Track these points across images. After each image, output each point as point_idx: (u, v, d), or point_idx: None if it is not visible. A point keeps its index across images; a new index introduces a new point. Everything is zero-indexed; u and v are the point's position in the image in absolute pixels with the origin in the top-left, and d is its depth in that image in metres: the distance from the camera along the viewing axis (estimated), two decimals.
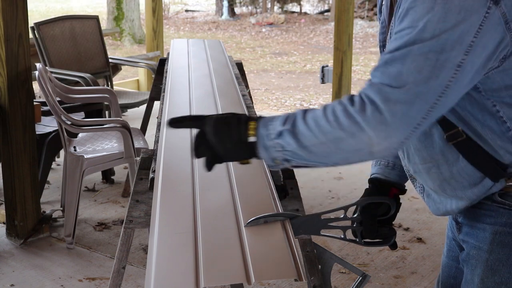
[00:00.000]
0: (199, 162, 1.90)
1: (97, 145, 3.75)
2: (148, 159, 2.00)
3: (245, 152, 1.37)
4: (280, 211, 1.58)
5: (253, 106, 2.73)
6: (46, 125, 3.94)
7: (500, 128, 1.38)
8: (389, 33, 1.47)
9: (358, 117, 1.26)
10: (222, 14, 17.32)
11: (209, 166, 1.45)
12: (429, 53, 1.25)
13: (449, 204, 1.51)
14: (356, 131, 1.26)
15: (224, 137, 1.38)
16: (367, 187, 1.72)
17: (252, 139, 1.36)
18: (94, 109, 4.16)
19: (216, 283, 1.29)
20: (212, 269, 1.32)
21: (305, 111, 1.34)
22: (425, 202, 1.59)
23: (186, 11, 19.04)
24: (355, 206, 1.61)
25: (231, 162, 1.90)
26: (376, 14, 14.27)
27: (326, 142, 1.29)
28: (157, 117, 2.48)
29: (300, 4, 18.03)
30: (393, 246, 1.64)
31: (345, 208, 1.58)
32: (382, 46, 1.53)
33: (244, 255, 1.37)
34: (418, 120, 1.27)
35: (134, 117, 5.62)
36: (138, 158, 2.08)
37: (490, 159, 1.41)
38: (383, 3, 1.55)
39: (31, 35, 4.44)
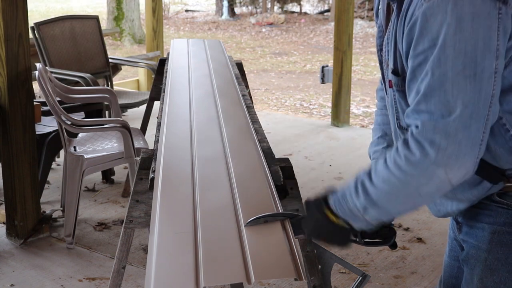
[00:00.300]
0: (199, 162, 1.91)
1: (97, 145, 3.75)
2: (148, 159, 2.00)
3: (345, 234, 1.46)
4: (280, 211, 1.58)
5: (253, 106, 2.73)
6: (46, 125, 3.94)
7: (503, 137, 1.39)
8: (385, 38, 1.47)
9: (424, 163, 1.28)
10: (222, 14, 17.32)
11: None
12: (464, 71, 1.25)
13: (449, 206, 1.52)
14: (430, 175, 1.29)
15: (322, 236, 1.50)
16: None
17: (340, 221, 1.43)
18: (94, 109, 4.15)
19: (216, 282, 1.29)
20: (212, 268, 1.32)
21: (369, 175, 1.37)
22: (426, 205, 1.60)
23: (186, 11, 19.04)
24: None
25: (230, 161, 1.91)
26: None
27: (407, 197, 1.34)
28: (157, 117, 2.48)
29: (300, 4, 18.03)
30: (393, 246, 1.64)
31: None
32: (380, 50, 1.54)
33: (244, 255, 1.37)
34: (480, 136, 1.29)
35: (134, 117, 5.62)
36: (138, 158, 2.08)
37: (488, 166, 1.41)
38: (380, 7, 1.55)
39: (31, 35, 4.44)
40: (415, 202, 1.35)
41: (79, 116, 4.00)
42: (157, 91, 4.05)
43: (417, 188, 1.31)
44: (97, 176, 4.35)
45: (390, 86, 1.47)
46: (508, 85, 1.35)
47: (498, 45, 1.26)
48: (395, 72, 1.43)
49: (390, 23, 1.45)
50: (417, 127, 1.30)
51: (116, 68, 5.66)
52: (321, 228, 1.46)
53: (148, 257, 1.38)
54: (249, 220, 1.50)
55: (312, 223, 1.47)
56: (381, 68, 1.54)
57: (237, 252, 1.38)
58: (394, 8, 1.42)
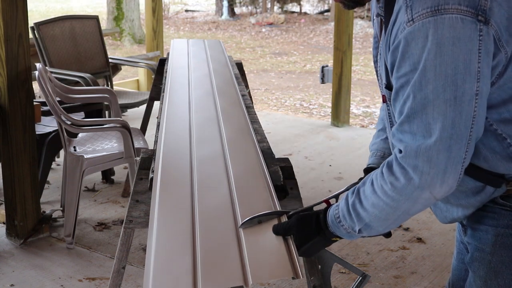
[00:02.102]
0: (198, 162, 1.91)
1: (97, 145, 3.75)
2: (148, 159, 2.00)
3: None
4: (273, 210, 1.58)
5: (252, 106, 2.73)
6: (46, 125, 3.94)
7: (501, 145, 1.39)
8: (378, 52, 1.48)
9: (409, 188, 1.31)
10: (222, 14, 17.33)
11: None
12: (445, 94, 1.26)
13: (455, 212, 1.53)
14: (416, 198, 1.32)
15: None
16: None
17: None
18: (94, 109, 4.15)
19: (214, 287, 1.29)
20: (210, 272, 1.31)
21: (359, 198, 1.39)
22: (433, 211, 1.60)
23: (186, 11, 19.04)
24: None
25: (229, 161, 1.91)
26: None
27: (397, 217, 1.37)
28: (157, 117, 2.48)
29: (300, 4, 18.03)
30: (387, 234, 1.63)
31: (336, 196, 1.59)
32: (376, 61, 1.54)
33: (242, 257, 1.37)
34: (463, 156, 1.30)
35: (134, 117, 5.62)
36: (138, 158, 2.08)
37: (487, 172, 1.42)
38: (374, 18, 1.55)
39: (31, 35, 4.44)
40: (405, 219, 1.39)
41: (79, 116, 4.00)
42: (157, 91, 4.05)
43: (405, 211, 1.35)
44: (97, 176, 4.35)
45: (384, 101, 1.49)
46: (500, 99, 1.36)
47: (480, 67, 1.26)
48: (388, 86, 1.43)
49: (381, 37, 1.45)
50: (400, 151, 1.32)
51: (116, 68, 5.66)
52: (318, 246, 1.49)
53: (146, 261, 1.38)
54: (243, 222, 1.50)
55: (310, 243, 1.48)
56: (378, 80, 1.55)
57: (235, 255, 1.38)
58: (383, 21, 1.43)
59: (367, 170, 1.71)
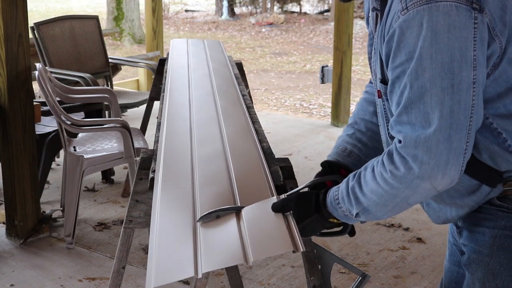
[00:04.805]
0: (199, 162, 1.91)
1: (97, 145, 3.75)
2: (148, 159, 2.00)
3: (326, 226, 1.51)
4: (233, 205, 1.59)
5: (253, 106, 2.72)
6: (46, 125, 3.95)
7: (497, 139, 1.38)
8: (373, 47, 1.47)
9: (409, 177, 1.29)
10: (222, 14, 17.33)
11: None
12: (442, 82, 1.25)
13: (449, 212, 1.51)
14: (416, 188, 1.30)
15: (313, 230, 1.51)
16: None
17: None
18: (94, 109, 4.16)
19: (215, 267, 1.29)
20: (211, 254, 1.33)
21: (359, 183, 1.38)
22: (426, 212, 1.59)
23: (186, 11, 19.04)
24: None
25: (230, 159, 1.91)
26: None
27: (396, 205, 1.36)
28: (157, 117, 2.48)
29: (300, 4, 18.03)
30: (351, 234, 1.61)
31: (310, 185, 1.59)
32: (370, 58, 1.54)
33: (242, 236, 1.38)
34: (463, 146, 1.28)
35: (134, 117, 5.62)
36: (138, 158, 2.08)
37: (485, 167, 1.40)
38: (369, 15, 1.55)
39: (31, 35, 4.44)
40: (404, 208, 1.38)
41: (79, 116, 4.00)
42: (157, 91, 4.04)
43: (404, 199, 1.33)
44: (97, 176, 4.35)
45: (380, 97, 1.47)
46: (495, 93, 1.35)
47: (475, 55, 1.25)
48: (383, 81, 1.43)
49: (376, 31, 1.45)
50: (400, 141, 1.31)
51: (116, 68, 5.66)
52: (315, 225, 1.48)
53: (149, 252, 1.39)
54: (200, 216, 1.49)
55: (307, 220, 1.47)
56: (372, 76, 1.54)
57: (235, 235, 1.39)
58: (378, 15, 1.42)
59: (322, 164, 1.70)
